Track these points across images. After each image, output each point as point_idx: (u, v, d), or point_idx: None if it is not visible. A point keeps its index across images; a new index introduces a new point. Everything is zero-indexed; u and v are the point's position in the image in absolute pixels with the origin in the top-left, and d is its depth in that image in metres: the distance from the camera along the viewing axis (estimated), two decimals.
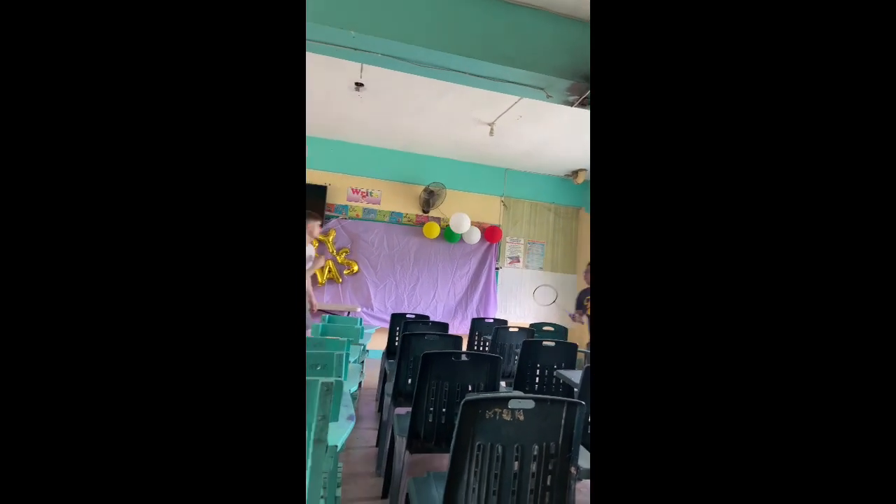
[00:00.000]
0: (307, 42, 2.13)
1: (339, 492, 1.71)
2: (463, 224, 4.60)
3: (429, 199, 4.60)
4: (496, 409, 1.00)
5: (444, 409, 1.56)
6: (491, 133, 3.80)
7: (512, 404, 1.00)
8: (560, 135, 3.90)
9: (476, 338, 3.23)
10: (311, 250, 2.90)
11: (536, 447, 1.04)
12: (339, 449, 1.11)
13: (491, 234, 4.79)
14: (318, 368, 1.53)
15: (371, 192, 4.61)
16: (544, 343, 2.20)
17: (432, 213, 4.75)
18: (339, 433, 1.08)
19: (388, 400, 2.05)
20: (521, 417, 1.03)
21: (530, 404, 1.02)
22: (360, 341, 2.51)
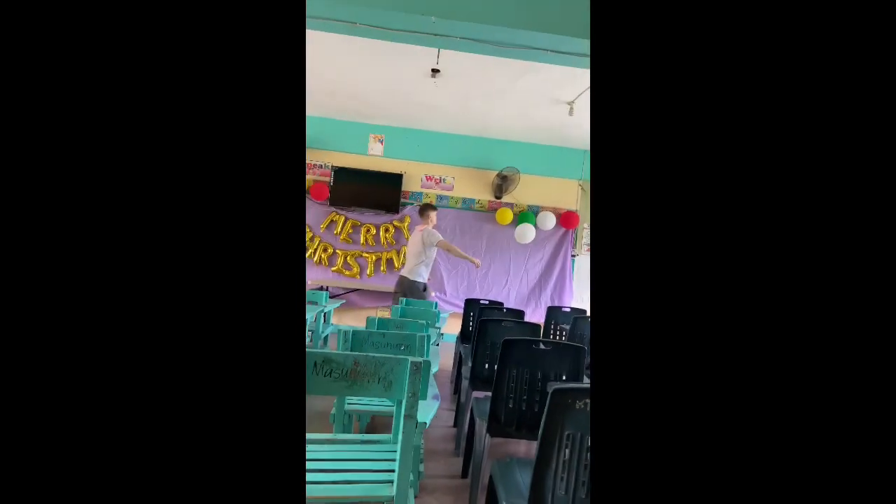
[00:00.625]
0: (384, 30, 2.19)
1: (422, 467, 1.81)
2: (547, 221, 4.49)
3: (502, 184, 4.55)
4: (587, 400, 0.98)
5: (524, 396, 1.56)
6: (570, 112, 3.63)
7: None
8: None
9: (553, 327, 3.16)
10: (437, 236, 3.23)
11: None
12: (426, 426, 1.17)
13: (567, 220, 4.61)
14: (403, 348, 1.61)
15: (444, 179, 4.68)
16: None
17: (505, 198, 4.69)
18: (426, 411, 1.14)
19: (465, 383, 2.09)
20: None
21: None
22: (437, 325, 2.60)
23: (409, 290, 3.20)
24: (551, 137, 4.49)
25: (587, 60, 2.36)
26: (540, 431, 0.98)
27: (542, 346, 1.63)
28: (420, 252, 3.22)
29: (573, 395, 0.98)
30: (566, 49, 2.29)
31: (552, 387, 1.01)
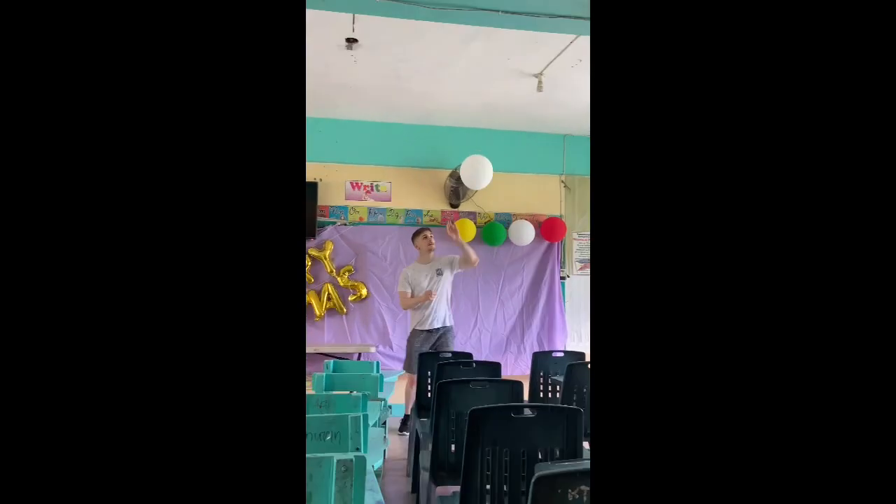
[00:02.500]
0: None
1: None
2: (523, 233, 4.65)
3: (457, 187, 4.66)
4: (582, 487, 1.02)
5: (505, 488, 1.59)
6: (539, 87, 3.83)
7: None
8: None
9: (541, 380, 3.24)
10: (425, 277, 3.84)
11: None
12: None
13: (550, 230, 4.79)
14: (329, 439, 1.60)
15: (377, 186, 4.73)
16: None
17: (464, 206, 4.80)
18: None
19: (425, 476, 2.10)
20: None
21: None
22: (380, 395, 2.59)
23: (447, 340, 3.83)
24: (518, 121, 4.69)
25: (553, 21, 2.53)
26: None
27: (525, 414, 1.68)
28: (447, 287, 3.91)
29: (562, 482, 1.02)
30: (522, 8, 2.45)
31: (538, 471, 1.05)
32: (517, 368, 4.58)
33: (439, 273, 3.81)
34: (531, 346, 4.70)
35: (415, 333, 3.83)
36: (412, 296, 3.78)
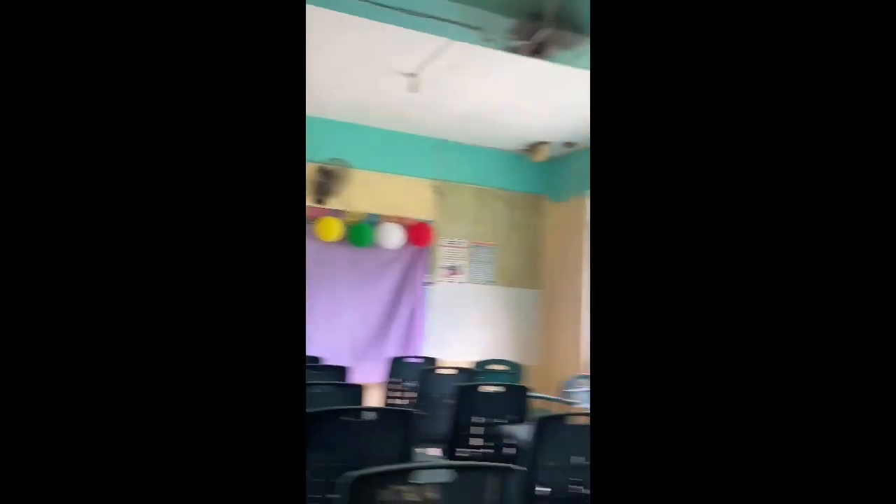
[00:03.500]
0: None
1: None
2: (391, 236, 4.61)
3: (325, 182, 4.54)
4: (395, 488, 1.01)
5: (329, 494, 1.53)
6: (414, 88, 3.85)
7: (417, 478, 1.01)
8: (512, 94, 4.05)
9: (397, 387, 3.23)
10: None
11: None
12: None
13: (419, 235, 4.83)
14: None
15: None
16: (481, 389, 2.26)
17: (331, 203, 4.68)
18: None
19: None
20: (436, 496, 1.04)
21: (447, 476, 1.04)
22: None
23: None
24: (391, 120, 4.69)
25: (426, 21, 2.55)
26: None
27: (366, 417, 1.64)
28: None
29: (376, 483, 1.00)
30: (396, 4, 2.44)
31: (351, 476, 1.01)
32: (374, 374, 4.53)
33: None
34: (392, 351, 4.68)
35: None
36: None
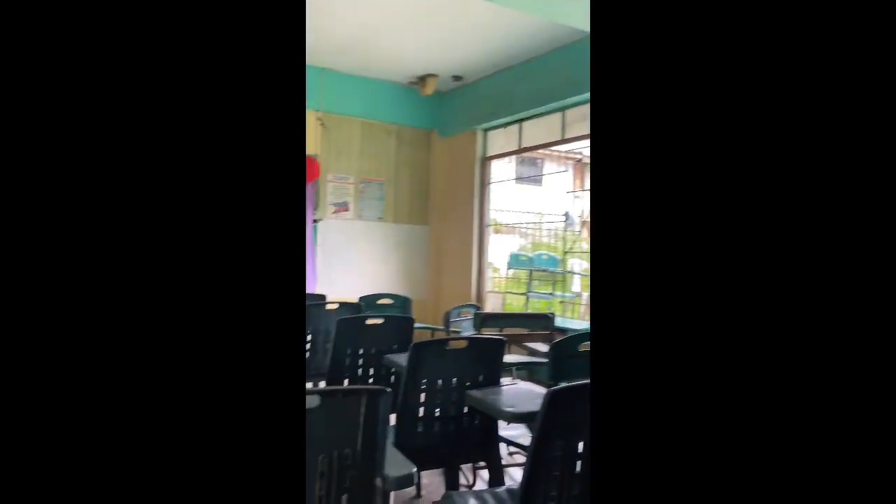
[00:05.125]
0: None
1: None
2: None
3: None
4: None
5: None
6: None
7: None
8: (397, 19, 3.91)
9: None
10: None
11: (326, 459, 1.09)
12: None
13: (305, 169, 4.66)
14: None
15: None
16: (368, 322, 2.29)
17: None
18: None
19: None
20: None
21: (314, 402, 1.05)
22: None
23: None
24: None
25: None
26: None
27: None
28: None
29: None
30: None
31: None
32: None
33: None
34: None
35: None
36: None
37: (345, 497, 1.12)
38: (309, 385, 2.55)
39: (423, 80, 4.99)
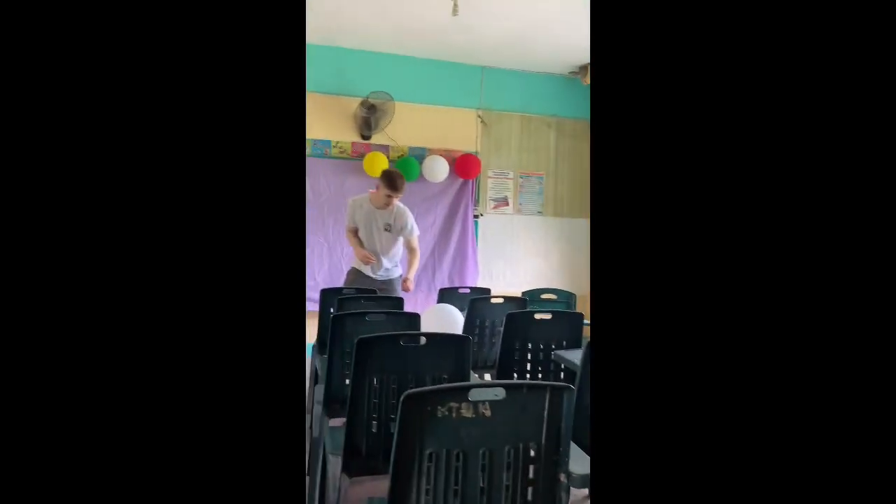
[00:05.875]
0: None
1: None
2: (437, 169, 4.59)
3: (369, 117, 4.52)
4: (451, 404, 1.06)
5: (392, 416, 1.62)
6: (454, 11, 3.70)
7: (473, 395, 1.06)
8: (559, 10, 3.84)
9: None
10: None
11: (511, 450, 1.11)
12: None
13: (464, 166, 4.79)
14: None
15: None
16: (537, 316, 2.29)
17: (376, 137, 4.68)
18: None
19: (318, 409, 2.11)
20: (488, 413, 1.09)
21: (499, 394, 1.08)
22: None
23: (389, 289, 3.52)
24: (432, 48, 4.56)
25: None
26: (392, 454, 1.04)
27: (418, 343, 1.70)
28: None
29: (432, 400, 1.05)
30: None
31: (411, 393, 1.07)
32: (427, 304, 4.65)
33: (387, 229, 3.50)
34: (442, 282, 4.78)
35: (353, 272, 3.61)
36: (356, 236, 3.52)
37: (530, 490, 1.14)
38: (474, 377, 2.63)
39: (584, 68, 4.85)
